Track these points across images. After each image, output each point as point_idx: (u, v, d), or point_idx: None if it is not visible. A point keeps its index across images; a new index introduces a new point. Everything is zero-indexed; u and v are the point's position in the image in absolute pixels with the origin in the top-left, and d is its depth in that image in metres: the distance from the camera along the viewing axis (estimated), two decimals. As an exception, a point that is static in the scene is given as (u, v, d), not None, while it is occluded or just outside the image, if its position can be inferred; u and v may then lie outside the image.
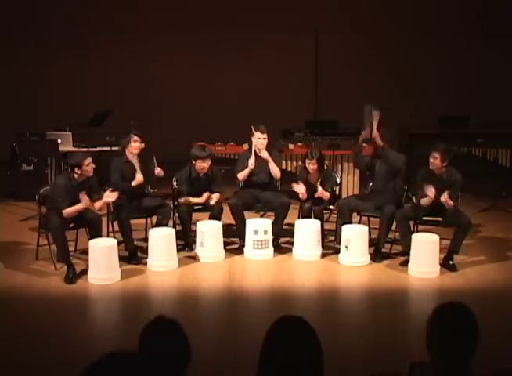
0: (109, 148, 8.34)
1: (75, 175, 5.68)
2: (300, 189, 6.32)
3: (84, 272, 5.68)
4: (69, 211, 5.60)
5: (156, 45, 11.11)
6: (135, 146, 6.21)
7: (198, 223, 6.23)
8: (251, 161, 6.51)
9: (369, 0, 11.15)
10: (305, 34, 11.26)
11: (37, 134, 8.58)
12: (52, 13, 10.84)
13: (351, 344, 4.46)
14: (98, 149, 8.40)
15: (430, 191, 5.73)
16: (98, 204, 5.81)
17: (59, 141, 8.16)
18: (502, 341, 4.30)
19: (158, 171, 6.24)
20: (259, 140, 6.54)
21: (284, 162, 8.03)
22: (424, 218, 6.07)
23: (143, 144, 6.26)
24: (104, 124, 8.83)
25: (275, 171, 6.60)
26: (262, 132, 6.54)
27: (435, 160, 5.81)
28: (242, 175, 6.59)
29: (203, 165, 6.29)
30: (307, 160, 6.36)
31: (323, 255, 6.27)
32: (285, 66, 11.28)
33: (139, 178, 6.14)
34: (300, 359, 1.99)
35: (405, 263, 5.92)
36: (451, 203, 5.68)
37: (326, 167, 6.56)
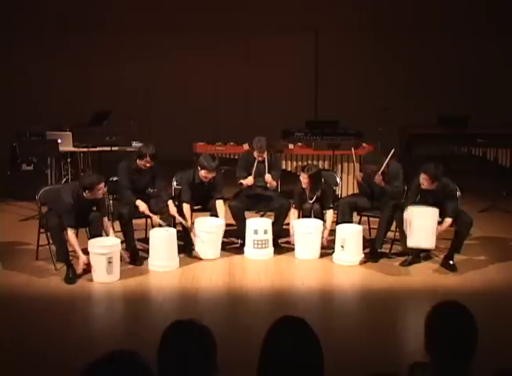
0: (109, 148, 8.35)
1: (84, 194, 5.61)
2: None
3: (85, 272, 5.68)
4: (70, 239, 5.53)
5: (156, 45, 11.10)
6: (144, 163, 6.11)
7: (196, 220, 6.20)
8: (250, 182, 6.52)
9: (370, 0, 11.15)
10: (305, 34, 11.26)
11: (37, 134, 8.57)
12: (53, 13, 10.84)
13: (351, 344, 4.47)
14: (98, 149, 8.41)
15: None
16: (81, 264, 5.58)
17: (59, 141, 8.15)
18: (503, 341, 4.30)
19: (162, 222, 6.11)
20: (258, 158, 6.58)
21: (284, 162, 8.04)
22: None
23: (152, 163, 6.14)
24: (104, 124, 8.82)
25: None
26: (261, 152, 6.55)
27: (425, 182, 5.70)
28: (245, 183, 6.61)
29: (207, 176, 6.23)
30: (301, 174, 6.32)
31: (323, 255, 6.27)
32: (285, 66, 11.27)
33: (143, 207, 6.07)
34: (299, 359, 1.99)
35: (405, 263, 5.93)
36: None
37: (323, 180, 6.49)
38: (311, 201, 6.38)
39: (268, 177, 6.52)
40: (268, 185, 6.53)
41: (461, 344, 2.22)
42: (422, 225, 5.63)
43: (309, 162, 6.56)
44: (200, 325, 2.14)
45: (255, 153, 6.60)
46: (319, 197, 6.37)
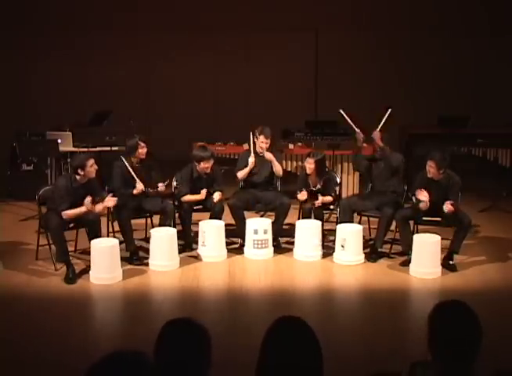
0: (109, 148, 8.35)
1: (77, 177, 5.64)
2: (302, 196, 6.31)
3: (85, 272, 5.69)
4: (69, 213, 5.57)
5: (156, 45, 11.11)
6: (142, 151, 6.18)
7: (200, 223, 6.23)
8: (251, 160, 6.51)
9: (370, 0, 11.15)
10: (305, 34, 11.26)
11: (37, 134, 8.58)
12: (52, 13, 10.84)
13: (351, 344, 4.46)
14: (98, 149, 8.41)
15: (423, 195, 5.76)
16: (99, 207, 5.70)
17: (59, 141, 8.16)
18: (502, 342, 4.30)
19: (161, 186, 6.18)
20: (262, 144, 6.56)
21: (284, 162, 8.03)
22: (424, 219, 6.07)
23: (147, 148, 6.21)
24: (104, 124, 8.83)
25: (277, 168, 6.64)
26: (266, 137, 6.54)
27: (431, 169, 5.80)
28: (241, 174, 6.60)
29: (206, 166, 6.28)
30: (307, 159, 6.37)
31: (323, 255, 6.28)
32: (285, 66, 11.28)
33: (139, 187, 6.08)
34: (298, 359, 1.99)
35: (405, 263, 5.93)
36: (451, 208, 5.68)
37: (327, 169, 6.50)
38: (314, 188, 6.39)
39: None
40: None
41: (464, 343, 2.22)
42: (425, 254, 5.70)
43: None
44: (196, 323, 2.17)
45: (261, 139, 6.53)
46: (321, 186, 6.38)
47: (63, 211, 5.55)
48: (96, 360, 1.73)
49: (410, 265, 5.79)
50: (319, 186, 6.40)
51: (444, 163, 5.79)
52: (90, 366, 1.72)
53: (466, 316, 2.28)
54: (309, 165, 6.32)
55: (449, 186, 5.86)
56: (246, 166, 6.59)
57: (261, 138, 6.54)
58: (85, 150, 8.37)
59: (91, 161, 5.65)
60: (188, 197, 6.29)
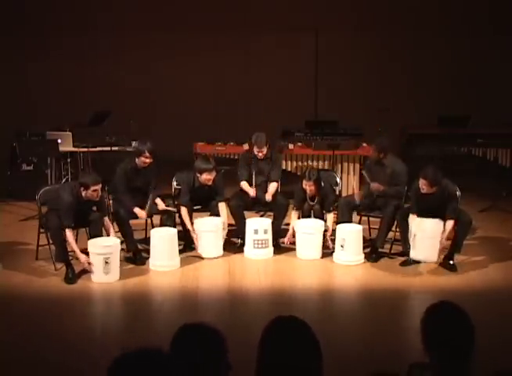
0: (109, 148, 8.35)
1: (82, 193, 5.63)
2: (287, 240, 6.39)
3: (84, 272, 5.68)
4: (69, 240, 5.55)
5: (156, 44, 11.11)
6: (144, 160, 6.15)
7: (195, 221, 6.22)
8: (252, 194, 6.52)
9: (370, 0, 11.15)
10: (305, 34, 11.26)
11: (37, 134, 8.57)
12: (53, 13, 10.84)
13: (351, 344, 4.47)
14: (98, 149, 8.42)
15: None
16: (84, 260, 5.54)
17: (59, 141, 8.16)
18: (502, 342, 4.30)
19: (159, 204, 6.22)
20: (258, 154, 6.59)
21: (284, 162, 8.04)
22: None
23: (152, 159, 6.19)
24: (104, 124, 8.83)
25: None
26: (259, 147, 6.56)
27: (424, 187, 5.69)
28: (244, 188, 6.60)
29: (208, 178, 6.22)
30: (304, 182, 6.24)
31: (323, 255, 6.27)
32: (285, 66, 11.27)
33: (141, 214, 6.12)
34: (296, 359, 1.98)
35: (405, 263, 5.93)
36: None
37: (323, 184, 6.47)
38: (312, 203, 6.38)
39: (268, 195, 6.50)
40: (267, 197, 6.52)
41: (458, 343, 2.23)
42: (426, 239, 5.69)
43: (306, 165, 6.53)
44: (210, 327, 2.27)
45: (255, 150, 6.60)
46: (319, 200, 6.37)
47: (69, 227, 5.54)
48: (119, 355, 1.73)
49: (411, 249, 5.77)
50: (317, 199, 6.40)
51: (436, 181, 5.66)
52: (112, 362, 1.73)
53: (457, 316, 2.29)
54: (308, 187, 6.23)
55: (445, 196, 5.79)
56: (247, 171, 6.61)
57: (255, 149, 6.59)
58: (85, 150, 8.38)
59: (96, 187, 5.57)
60: (184, 213, 6.23)
